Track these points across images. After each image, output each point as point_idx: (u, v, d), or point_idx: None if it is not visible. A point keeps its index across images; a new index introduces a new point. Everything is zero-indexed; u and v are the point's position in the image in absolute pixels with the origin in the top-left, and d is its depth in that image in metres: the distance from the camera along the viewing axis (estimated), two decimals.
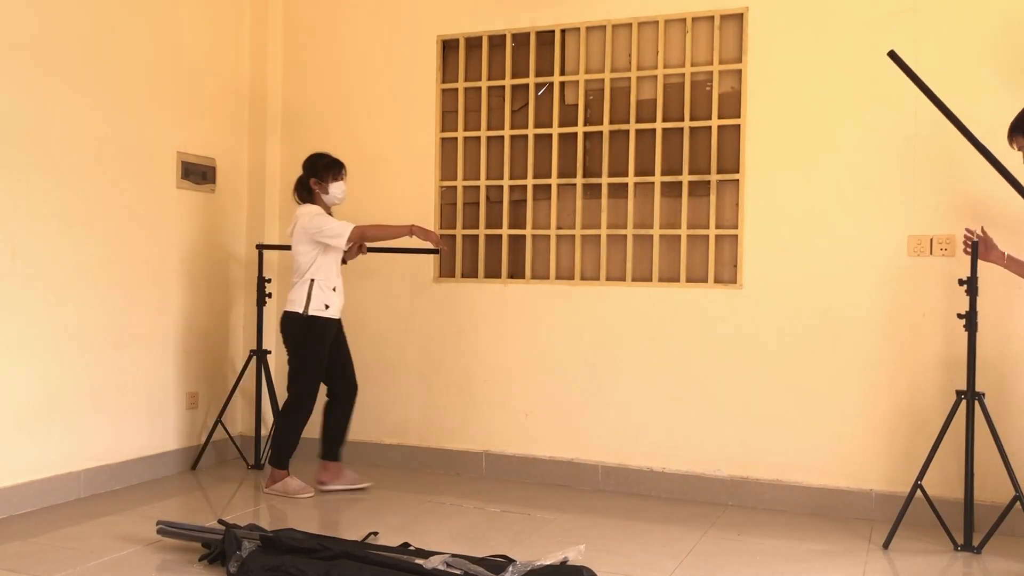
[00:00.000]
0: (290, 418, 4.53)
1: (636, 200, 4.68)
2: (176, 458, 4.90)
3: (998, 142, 4.01)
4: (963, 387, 3.75)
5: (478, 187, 5.02)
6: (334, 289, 4.50)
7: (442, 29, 5.07)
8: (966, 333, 3.74)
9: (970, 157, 4.04)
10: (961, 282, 3.76)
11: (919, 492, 3.74)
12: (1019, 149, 3.63)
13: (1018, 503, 3.63)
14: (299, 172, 4.59)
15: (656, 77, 4.65)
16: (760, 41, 4.42)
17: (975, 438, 3.74)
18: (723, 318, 4.47)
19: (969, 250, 3.72)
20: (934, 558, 3.64)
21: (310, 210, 4.47)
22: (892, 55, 3.71)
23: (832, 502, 4.27)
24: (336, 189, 4.52)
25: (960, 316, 3.76)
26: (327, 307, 4.45)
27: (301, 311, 4.42)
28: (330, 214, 4.53)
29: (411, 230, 4.45)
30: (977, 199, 4.04)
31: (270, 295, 5.13)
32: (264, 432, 5.11)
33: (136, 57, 4.62)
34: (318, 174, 4.51)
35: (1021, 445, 3.92)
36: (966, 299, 3.74)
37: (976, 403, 3.71)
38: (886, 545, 3.76)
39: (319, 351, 4.50)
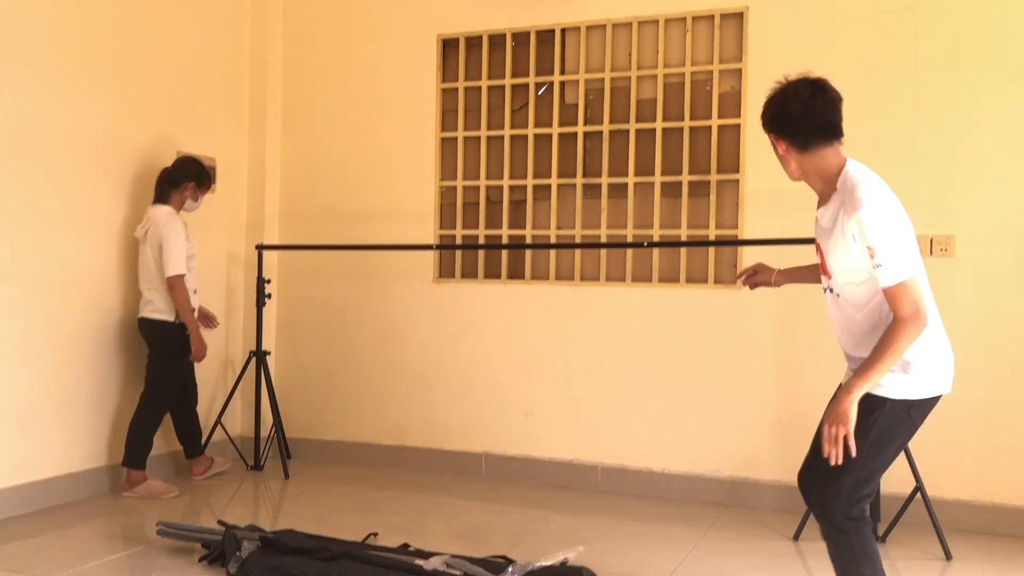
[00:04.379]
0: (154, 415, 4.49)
1: (636, 200, 4.68)
2: (176, 459, 4.89)
3: (998, 142, 4.02)
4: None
5: (478, 187, 5.01)
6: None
7: (442, 28, 5.07)
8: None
9: (970, 157, 4.05)
10: None
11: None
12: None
13: (919, 494, 3.72)
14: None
15: (656, 77, 4.64)
16: (760, 41, 4.41)
17: None
18: (723, 318, 4.47)
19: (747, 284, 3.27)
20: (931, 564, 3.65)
21: (165, 213, 4.43)
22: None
23: None
24: (201, 201, 4.63)
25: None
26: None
27: (174, 319, 4.45)
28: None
29: (192, 324, 4.47)
30: (976, 199, 4.04)
31: (270, 296, 5.12)
32: (264, 433, 5.10)
33: (136, 57, 4.62)
34: (200, 180, 4.56)
35: (1019, 444, 3.93)
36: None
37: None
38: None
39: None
